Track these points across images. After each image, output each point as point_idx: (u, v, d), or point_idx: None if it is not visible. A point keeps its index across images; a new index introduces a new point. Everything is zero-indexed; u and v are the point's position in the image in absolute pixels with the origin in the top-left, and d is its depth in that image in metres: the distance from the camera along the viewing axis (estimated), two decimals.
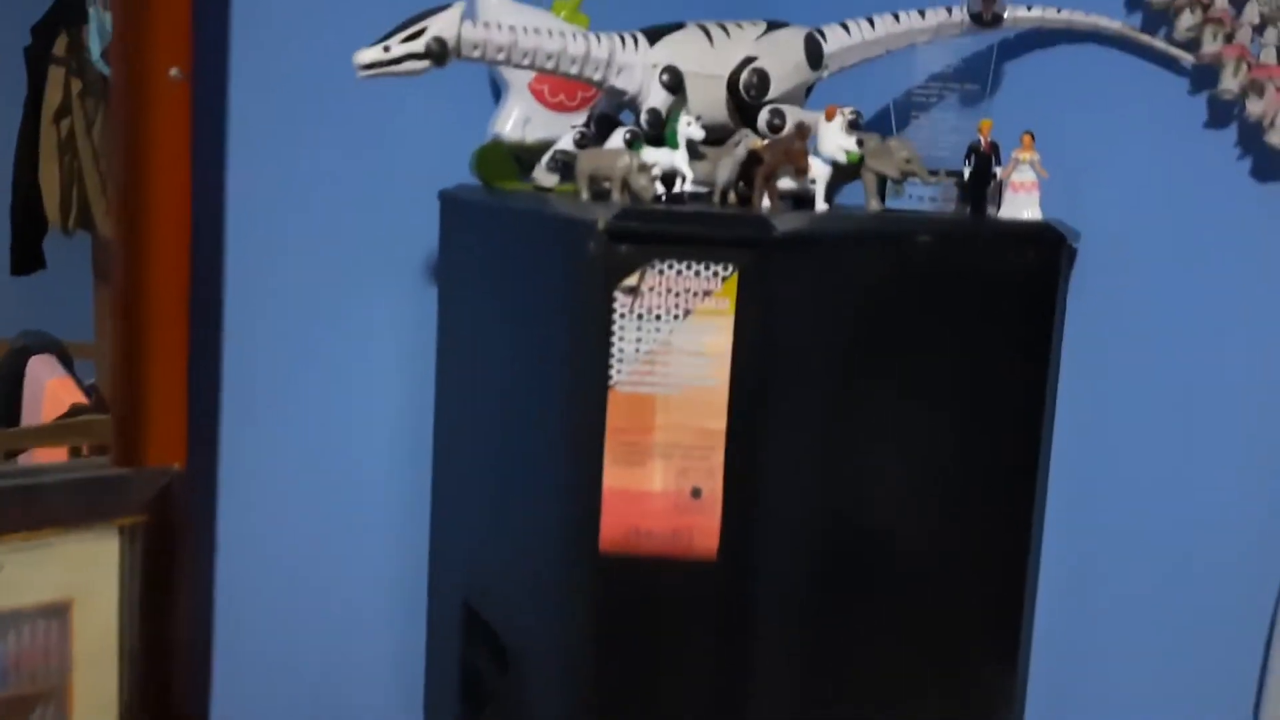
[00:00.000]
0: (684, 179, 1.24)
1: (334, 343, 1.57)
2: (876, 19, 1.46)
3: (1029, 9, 1.44)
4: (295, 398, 1.56)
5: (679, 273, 1.11)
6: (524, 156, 1.51)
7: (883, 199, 1.34)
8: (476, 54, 1.25)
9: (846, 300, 1.20)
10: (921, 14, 1.46)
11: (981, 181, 1.37)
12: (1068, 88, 1.45)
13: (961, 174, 1.37)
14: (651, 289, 1.11)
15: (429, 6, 1.20)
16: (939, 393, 1.27)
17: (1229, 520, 1.31)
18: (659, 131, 1.27)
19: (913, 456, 1.27)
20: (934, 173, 1.36)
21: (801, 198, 1.31)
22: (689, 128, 1.24)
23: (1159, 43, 1.35)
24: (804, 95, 1.44)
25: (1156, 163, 1.36)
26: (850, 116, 1.39)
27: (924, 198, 1.40)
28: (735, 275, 1.12)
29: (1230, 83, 1.26)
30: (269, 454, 1.54)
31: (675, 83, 1.32)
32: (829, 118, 1.29)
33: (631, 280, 1.11)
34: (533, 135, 1.51)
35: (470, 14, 1.25)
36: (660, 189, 1.24)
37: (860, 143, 1.29)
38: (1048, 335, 1.33)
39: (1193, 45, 1.31)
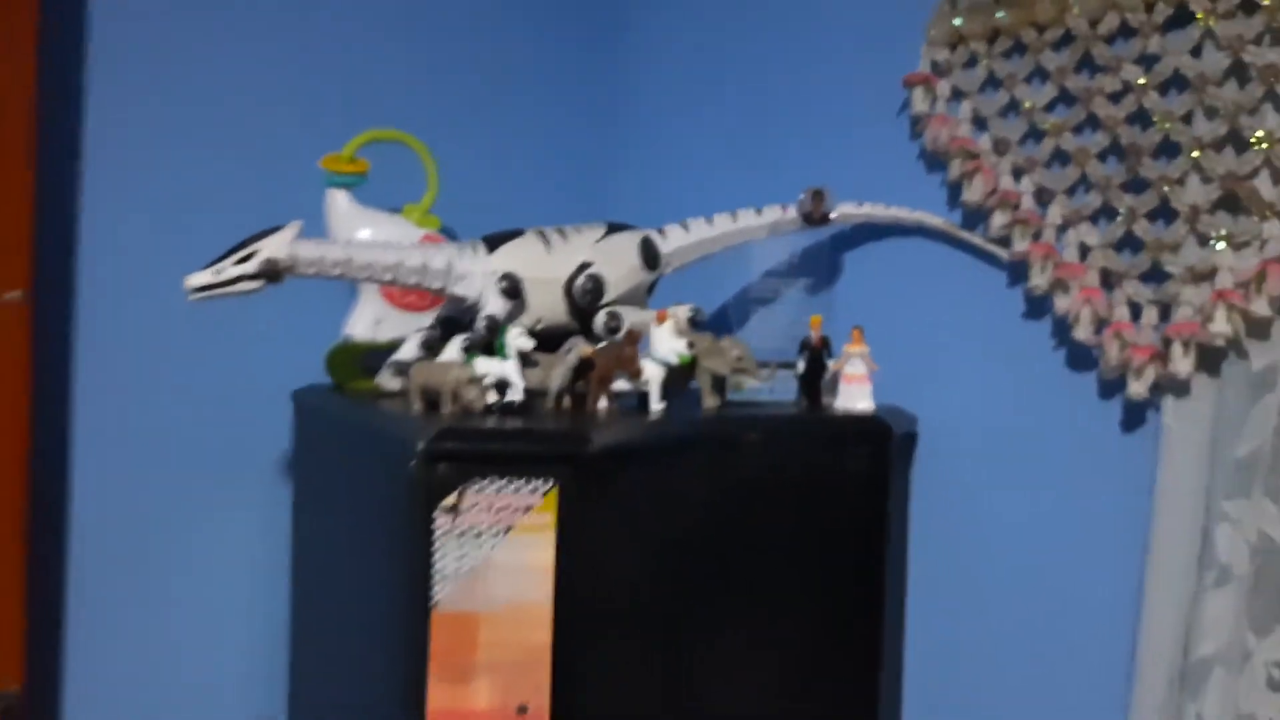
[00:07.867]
0: (514, 389, 1.26)
1: (186, 554, 1.56)
2: (717, 217, 1.52)
3: (859, 205, 1.51)
4: (145, 611, 1.53)
5: (499, 490, 1.12)
6: (376, 357, 1.53)
7: (723, 394, 1.37)
8: (312, 271, 1.27)
9: (673, 505, 1.22)
10: (758, 212, 1.52)
11: (815, 375, 1.41)
12: (899, 281, 1.51)
13: (795, 366, 1.42)
14: (472, 507, 1.12)
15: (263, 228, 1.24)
16: (778, 589, 1.28)
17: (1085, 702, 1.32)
18: (493, 338, 1.30)
19: (754, 655, 1.27)
20: (764, 365, 1.40)
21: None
22: (518, 339, 1.26)
23: (977, 239, 1.42)
24: (646, 294, 1.48)
25: (979, 352, 1.41)
26: (689, 314, 1.43)
27: (765, 389, 1.44)
28: (555, 490, 1.13)
29: (1039, 279, 1.32)
30: (116, 672, 1.51)
31: (513, 289, 1.35)
32: (660, 321, 1.33)
33: (450, 500, 1.11)
34: (385, 335, 1.54)
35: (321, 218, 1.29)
36: (495, 397, 1.26)
37: (691, 344, 1.32)
38: (882, 524, 1.35)
39: (1006, 242, 1.37)
